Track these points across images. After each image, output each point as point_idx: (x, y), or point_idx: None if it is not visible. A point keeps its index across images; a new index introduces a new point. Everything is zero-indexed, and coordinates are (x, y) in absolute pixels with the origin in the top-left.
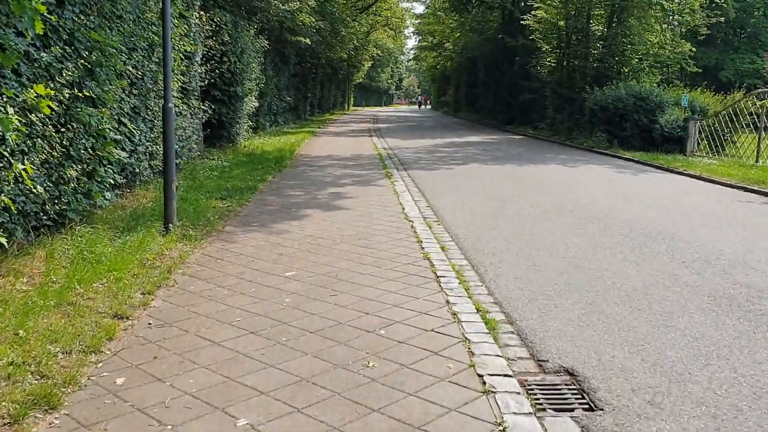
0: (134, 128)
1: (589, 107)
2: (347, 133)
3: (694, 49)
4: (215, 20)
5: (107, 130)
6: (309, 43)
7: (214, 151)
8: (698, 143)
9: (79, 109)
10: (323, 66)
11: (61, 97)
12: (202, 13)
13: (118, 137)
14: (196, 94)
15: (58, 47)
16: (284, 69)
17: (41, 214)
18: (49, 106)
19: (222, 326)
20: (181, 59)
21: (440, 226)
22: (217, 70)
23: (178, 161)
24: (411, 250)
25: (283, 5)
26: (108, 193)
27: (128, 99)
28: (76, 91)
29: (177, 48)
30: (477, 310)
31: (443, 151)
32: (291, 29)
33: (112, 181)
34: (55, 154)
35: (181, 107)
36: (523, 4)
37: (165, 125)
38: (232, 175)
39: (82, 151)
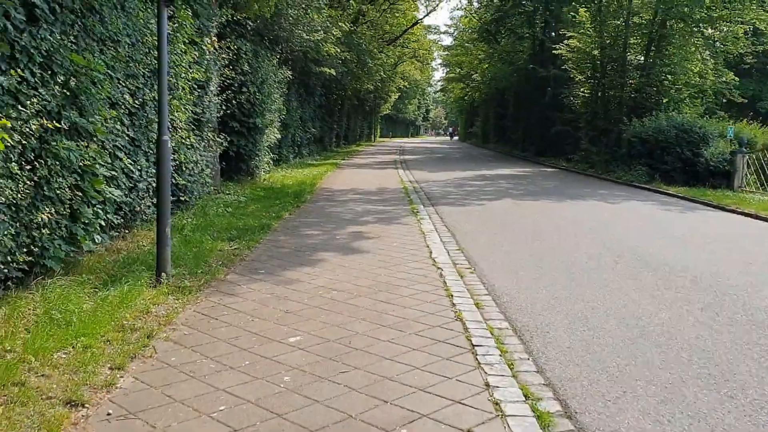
0: (131, 163)
1: (627, 139)
2: (372, 165)
3: (737, 78)
4: (233, 48)
5: (96, 166)
6: (334, 74)
7: (231, 185)
8: (746, 178)
9: (54, 143)
10: (349, 97)
11: (31, 129)
12: (215, 39)
13: (112, 173)
14: (210, 125)
15: (25, 70)
16: (309, 100)
17: (6, 264)
18: (4, 140)
19: (199, 420)
20: (193, 89)
21: (473, 275)
22: (234, 100)
23: (185, 198)
24: (440, 308)
25: (306, 35)
26: (98, 237)
27: (125, 131)
28: (49, 122)
29: (184, 76)
30: (525, 396)
31: (473, 184)
32: (316, 60)
33: (103, 223)
34: (22, 195)
35: (192, 139)
36: (554, 33)
37: (159, 161)
38: (246, 211)
39: (61, 191)
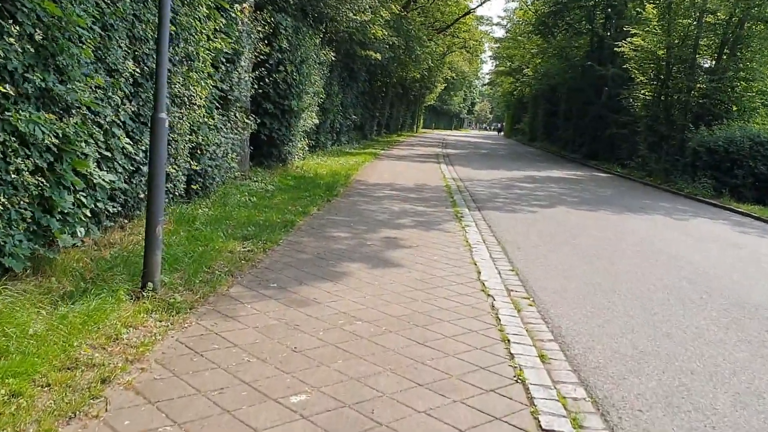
0: (130, 143)
1: (692, 148)
2: (413, 158)
3: None
4: (271, 21)
5: (80, 144)
6: (380, 59)
7: (260, 171)
8: None
9: (10, 113)
10: (394, 85)
11: None
12: (251, 8)
13: (106, 153)
14: (240, 104)
15: None
16: (352, 85)
17: None
18: None
19: None
20: (219, 62)
21: (532, 308)
22: (269, 79)
23: (197, 187)
24: (494, 359)
25: (354, 15)
26: (81, 229)
27: (126, 104)
28: (3, 85)
29: (205, 45)
30: None
31: (522, 186)
32: (362, 42)
33: (89, 213)
34: None
35: (215, 119)
36: (615, 30)
37: (152, 144)
38: (271, 203)
39: (20, 174)
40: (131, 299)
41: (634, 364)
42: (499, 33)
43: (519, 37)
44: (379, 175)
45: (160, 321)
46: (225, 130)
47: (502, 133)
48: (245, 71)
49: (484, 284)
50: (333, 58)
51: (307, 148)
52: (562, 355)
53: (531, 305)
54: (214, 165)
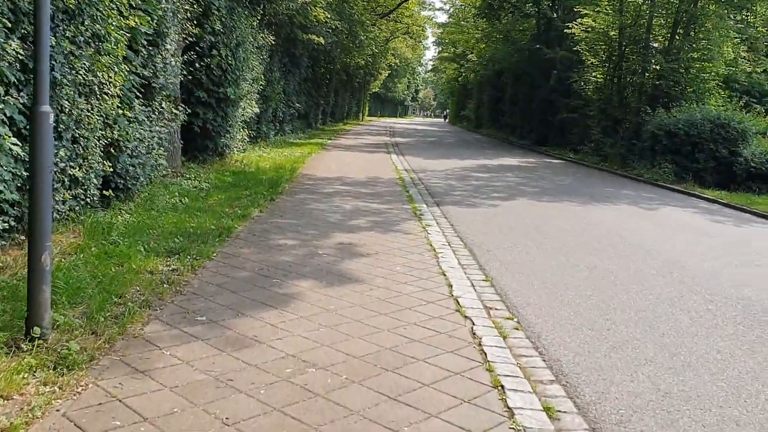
0: (15, 143)
1: (650, 131)
2: (362, 148)
3: None
4: (201, 0)
5: None
6: (323, 42)
7: (194, 166)
8: None
9: None
10: (338, 71)
11: None
12: None
13: None
14: (167, 92)
15: None
16: (295, 71)
17: None
18: None
19: None
20: (141, 44)
21: (519, 333)
22: (199, 63)
23: (110, 193)
24: (489, 419)
25: None
26: None
27: (11, 94)
28: None
29: (116, 24)
30: None
31: (477, 177)
32: (303, 25)
33: None
34: None
35: (136, 111)
36: (563, 11)
37: (32, 144)
38: (205, 204)
39: None
40: (8, 352)
41: (665, 415)
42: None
43: (462, 22)
44: (327, 167)
45: (45, 385)
46: (149, 122)
47: (447, 119)
48: (172, 55)
49: (458, 302)
50: (272, 42)
51: (247, 140)
52: (572, 404)
53: (517, 329)
54: (137, 163)
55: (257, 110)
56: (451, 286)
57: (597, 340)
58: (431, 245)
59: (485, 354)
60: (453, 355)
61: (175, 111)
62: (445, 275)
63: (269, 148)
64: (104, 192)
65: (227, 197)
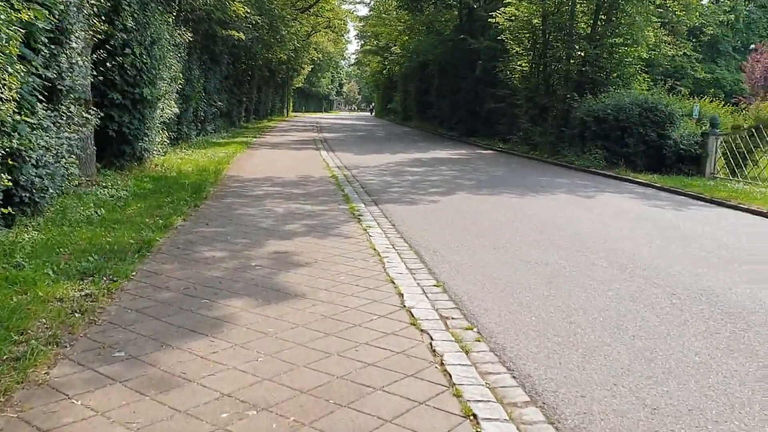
0: None
1: (579, 118)
2: (289, 145)
3: (696, 53)
4: None
5: None
6: (243, 38)
7: (110, 174)
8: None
9: None
10: (260, 68)
11: None
12: None
13: None
14: (76, 95)
15: None
16: (215, 69)
17: None
18: None
19: None
20: (41, 42)
21: (484, 348)
22: (111, 62)
23: (24, 200)
24: None
25: None
26: None
27: None
28: None
29: (5, 18)
30: None
31: (412, 171)
32: (222, 21)
33: None
34: None
35: (40, 116)
36: (485, 1)
37: None
38: (123, 215)
39: None
40: None
41: None
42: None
43: (384, 15)
44: (255, 167)
45: None
46: (56, 128)
47: (374, 113)
48: (79, 54)
49: (412, 313)
50: (191, 39)
51: (167, 142)
52: None
53: (479, 340)
54: (45, 173)
55: (177, 110)
56: (402, 295)
57: (565, 348)
58: (375, 249)
59: (450, 375)
60: (414, 379)
61: (86, 115)
62: (393, 283)
63: (192, 150)
64: (3, 210)
65: (147, 206)
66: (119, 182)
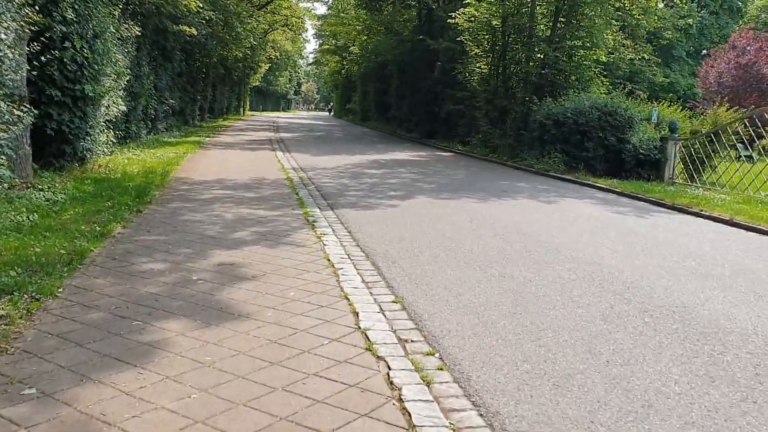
0: None
1: (539, 121)
2: (244, 145)
3: (657, 57)
4: None
5: None
6: (195, 33)
7: (47, 176)
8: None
9: None
10: (215, 65)
11: None
12: None
13: None
14: (6, 91)
15: None
16: (167, 65)
17: None
18: None
19: None
20: None
21: (447, 378)
22: (48, 56)
23: None
24: None
25: None
26: None
27: None
28: None
29: None
30: None
31: (371, 174)
32: (173, 16)
33: None
34: None
35: None
36: (444, 1)
37: None
38: (58, 221)
39: None
40: None
41: None
42: (322, 10)
43: (342, 14)
44: (206, 169)
45: None
46: None
47: (332, 113)
48: (10, 47)
49: (367, 336)
50: (139, 33)
51: (114, 141)
52: None
53: (441, 368)
54: None
55: (124, 108)
56: (357, 313)
57: (536, 377)
58: (329, 259)
59: (409, 414)
60: (369, 420)
61: (17, 112)
62: (348, 299)
63: (140, 150)
64: None
65: (86, 211)
66: (57, 185)
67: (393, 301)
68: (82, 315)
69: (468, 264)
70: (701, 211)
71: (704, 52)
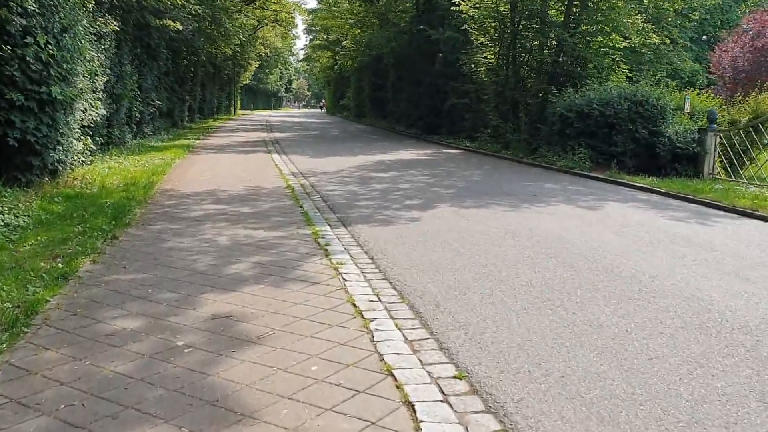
0: None
1: (559, 114)
2: (236, 147)
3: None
4: None
5: None
6: (180, 28)
7: (10, 193)
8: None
9: None
10: (204, 63)
11: None
12: None
13: None
14: None
15: None
16: (152, 64)
17: None
18: None
19: None
20: None
21: None
22: (4, 53)
23: None
24: None
25: None
26: None
27: None
28: None
29: None
30: None
31: (379, 178)
32: (156, 10)
33: None
34: None
35: None
36: None
37: None
38: (12, 258)
39: None
40: None
41: None
42: (313, 3)
43: (333, 7)
44: (196, 177)
45: None
46: None
47: (324, 110)
48: None
49: None
50: (117, 29)
51: (93, 149)
52: None
53: None
54: None
55: (104, 112)
56: (413, 405)
57: None
58: (354, 304)
59: None
60: None
61: None
62: (393, 375)
63: (124, 156)
64: None
65: (50, 239)
66: (20, 204)
67: (455, 377)
68: (12, 426)
69: (534, 305)
70: None
71: (704, 37)
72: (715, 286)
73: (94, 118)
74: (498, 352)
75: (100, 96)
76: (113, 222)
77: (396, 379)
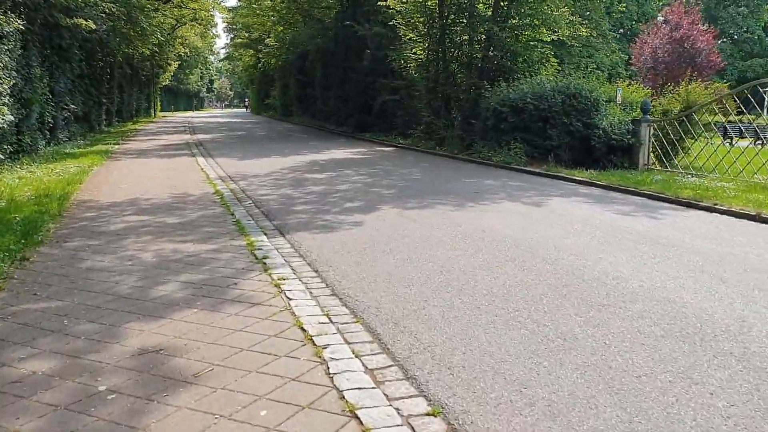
0: None
1: (492, 108)
2: (159, 152)
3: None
4: None
5: None
6: (94, 27)
7: None
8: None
9: None
10: (120, 65)
11: None
12: None
13: None
14: None
15: None
16: (64, 66)
17: None
18: None
19: None
20: None
21: None
22: None
23: None
24: None
25: None
26: None
27: None
28: None
29: None
30: None
31: (315, 179)
32: (66, 8)
33: None
34: None
35: None
36: None
37: None
38: None
39: None
40: None
41: None
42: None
43: (255, 5)
44: (116, 185)
45: None
46: None
47: (249, 109)
48: None
49: None
50: (23, 29)
51: (1, 158)
52: None
53: None
54: None
55: (12, 118)
56: None
57: None
58: (302, 327)
59: None
60: None
61: None
62: (357, 416)
63: (36, 165)
64: None
65: None
66: None
67: (428, 414)
68: None
69: (501, 317)
70: (715, 205)
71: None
72: (683, 287)
73: (0, 125)
74: (472, 378)
75: (6, 101)
76: (23, 240)
77: (362, 423)
